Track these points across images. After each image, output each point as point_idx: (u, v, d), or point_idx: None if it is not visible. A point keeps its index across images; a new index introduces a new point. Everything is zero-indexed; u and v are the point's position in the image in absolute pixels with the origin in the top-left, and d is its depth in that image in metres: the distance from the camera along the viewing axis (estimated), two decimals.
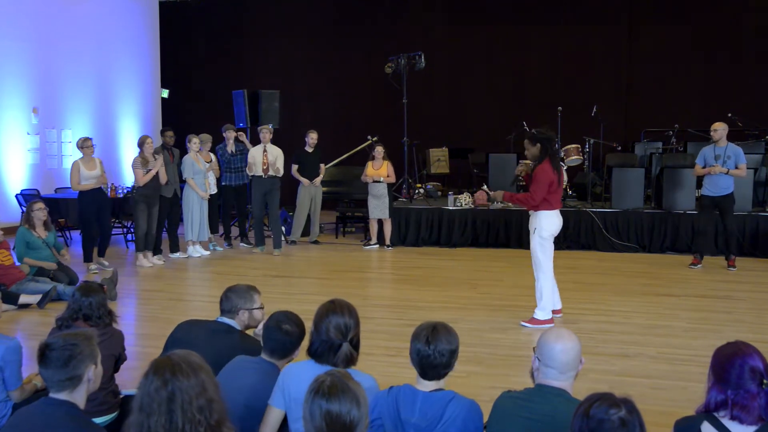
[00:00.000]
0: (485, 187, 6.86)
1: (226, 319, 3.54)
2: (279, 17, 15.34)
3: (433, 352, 2.55)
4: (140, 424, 1.98)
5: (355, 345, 2.84)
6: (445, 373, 2.62)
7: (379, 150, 9.99)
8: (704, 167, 8.35)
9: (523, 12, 14.20)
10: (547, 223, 5.90)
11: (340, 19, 15.11)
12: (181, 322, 3.67)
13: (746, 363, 2.30)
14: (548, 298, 5.96)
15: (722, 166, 8.18)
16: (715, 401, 2.32)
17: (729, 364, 2.32)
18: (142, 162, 8.58)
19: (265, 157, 9.61)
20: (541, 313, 5.98)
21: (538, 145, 5.77)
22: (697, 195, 9.45)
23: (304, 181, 10.32)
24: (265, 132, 9.76)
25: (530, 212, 5.99)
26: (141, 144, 8.67)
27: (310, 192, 10.37)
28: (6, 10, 11.32)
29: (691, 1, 13.45)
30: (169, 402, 1.96)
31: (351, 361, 2.78)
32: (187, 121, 14.21)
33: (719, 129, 8.26)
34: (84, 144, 8.31)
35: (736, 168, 8.18)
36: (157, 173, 8.64)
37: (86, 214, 8.34)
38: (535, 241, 5.97)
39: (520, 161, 6.58)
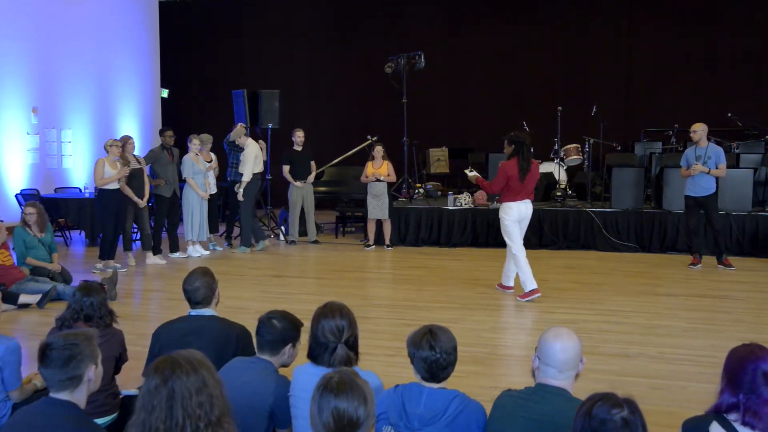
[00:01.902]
0: (469, 169, 7.73)
1: (199, 311, 3.52)
2: (279, 17, 15.34)
3: (440, 354, 2.60)
4: (142, 422, 1.99)
5: (352, 346, 2.87)
6: (452, 371, 2.67)
7: (378, 149, 9.98)
8: (688, 169, 8.38)
9: (522, 12, 14.21)
10: (506, 213, 6.84)
11: (339, 18, 15.12)
12: (157, 328, 3.58)
13: (759, 367, 2.27)
14: (526, 271, 6.80)
15: (703, 166, 8.21)
16: (727, 404, 2.30)
17: (742, 368, 2.30)
18: (122, 162, 8.56)
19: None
20: (525, 287, 6.83)
21: (513, 146, 6.77)
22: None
23: (297, 183, 10.31)
24: (240, 137, 9.85)
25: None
26: (123, 145, 8.69)
27: (301, 192, 10.36)
28: (6, 10, 11.32)
29: (690, 1, 13.46)
30: (168, 398, 1.97)
31: (348, 362, 2.82)
32: (187, 120, 14.23)
33: (698, 130, 8.30)
34: (113, 144, 8.39)
35: (717, 168, 8.21)
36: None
37: (106, 214, 8.37)
38: (501, 228, 6.96)
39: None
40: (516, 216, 6.84)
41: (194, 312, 3.55)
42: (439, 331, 2.65)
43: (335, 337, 2.82)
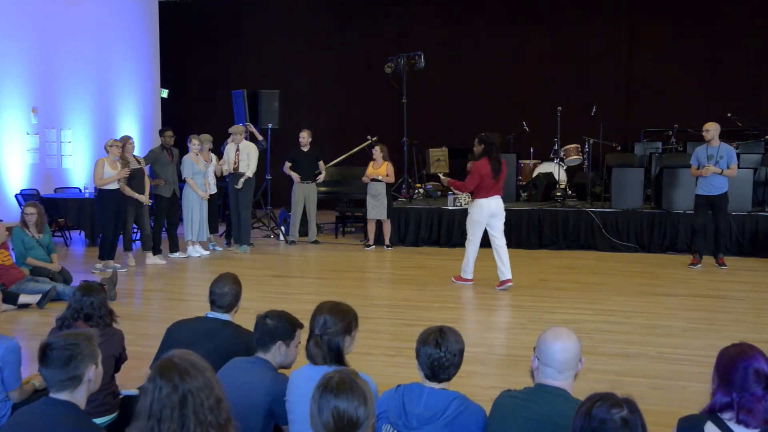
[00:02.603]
0: (441, 175, 8.52)
1: (217, 314, 3.59)
2: (279, 17, 15.34)
3: (445, 353, 2.61)
4: (150, 430, 1.94)
5: (328, 343, 2.84)
6: (454, 373, 2.67)
7: (377, 150, 10.00)
8: (699, 168, 8.38)
9: (522, 12, 14.21)
10: (477, 210, 7.29)
11: (339, 18, 15.12)
12: (171, 325, 3.67)
13: (751, 365, 2.28)
14: (470, 263, 7.51)
15: (715, 165, 8.21)
16: (720, 403, 2.31)
17: (733, 367, 2.31)
18: (122, 163, 8.58)
19: (237, 156, 9.80)
20: (464, 273, 7.58)
21: (483, 145, 7.22)
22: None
23: (295, 176, 10.31)
24: (237, 135, 9.93)
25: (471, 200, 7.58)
26: (123, 145, 8.71)
27: (304, 191, 10.37)
28: (6, 10, 11.31)
29: (690, 1, 13.46)
30: (181, 406, 1.93)
31: (311, 357, 2.86)
32: (187, 121, 14.22)
33: (711, 129, 8.31)
34: (113, 144, 8.41)
35: (728, 168, 8.21)
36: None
37: (105, 214, 8.38)
38: (467, 220, 7.46)
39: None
40: (487, 212, 7.25)
41: (212, 314, 3.61)
42: (449, 332, 2.66)
43: (316, 330, 2.88)
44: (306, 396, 2.19)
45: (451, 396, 2.62)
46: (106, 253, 8.45)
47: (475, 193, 7.27)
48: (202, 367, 2.02)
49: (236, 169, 9.79)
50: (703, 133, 8.41)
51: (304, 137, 10.42)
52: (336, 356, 2.85)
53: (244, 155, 9.76)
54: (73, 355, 2.39)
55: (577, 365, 2.55)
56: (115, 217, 8.38)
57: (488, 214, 7.27)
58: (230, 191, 9.91)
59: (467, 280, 7.59)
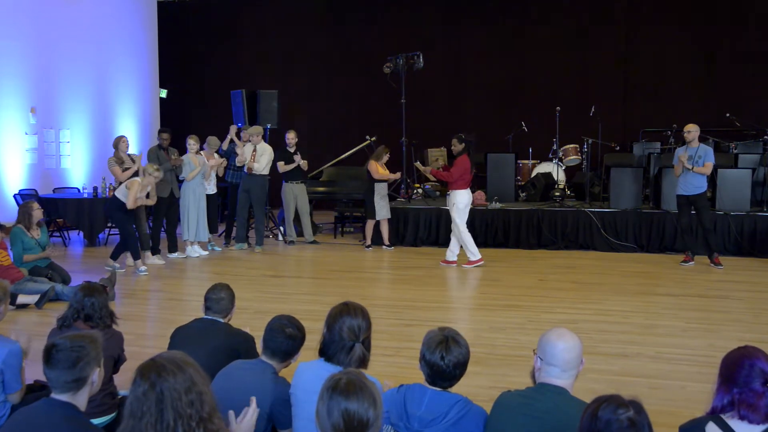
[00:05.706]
0: (417, 162, 9.80)
1: (212, 317, 3.71)
2: (277, 17, 15.33)
3: (448, 368, 2.60)
4: (132, 428, 1.97)
5: (368, 347, 2.88)
6: (455, 383, 2.68)
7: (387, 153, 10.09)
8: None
9: (522, 12, 14.21)
10: (461, 199, 8.46)
11: (338, 18, 15.11)
12: (174, 330, 3.76)
13: (755, 365, 2.30)
14: (472, 244, 8.52)
15: (693, 165, 8.41)
16: (722, 403, 2.32)
17: (737, 365, 2.32)
18: (116, 161, 8.56)
19: (253, 156, 9.83)
20: (472, 256, 8.49)
21: (463, 144, 8.50)
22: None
23: (294, 166, 10.25)
24: (255, 135, 10.02)
25: (448, 192, 8.66)
26: (116, 145, 8.73)
27: (293, 191, 10.36)
28: (5, 10, 11.30)
29: (690, 1, 13.47)
30: (158, 402, 1.96)
31: (363, 362, 2.82)
32: (186, 121, 14.20)
33: (692, 130, 8.52)
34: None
35: (703, 166, 8.40)
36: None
37: (126, 217, 8.35)
38: (453, 211, 8.51)
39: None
40: (467, 200, 8.51)
41: (208, 317, 3.71)
42: (455, 346, 2.62)
43: (354, 336, 2.81)
44: (313, 393, 2.18)
45: (454, 399, 2.61)
46: (136, 252, 8.41)
47: (457, 185, 8.41)
48: (182, 363, 2.04)
49: (250, 169, 9.83)
50: (684, 134, 8.62)
51: (291, 138, 10.41)
52: (368, 352, 2.91)
53: (259, 156, 9.85)
54: (80, 357, 2.40)
55: (578, 365, 2.57)
56: (133, 217, 8.42)
57: (467, 201, 8.53)
58: (241, 192, 9.94)
59: (476, 261, 8.45)
